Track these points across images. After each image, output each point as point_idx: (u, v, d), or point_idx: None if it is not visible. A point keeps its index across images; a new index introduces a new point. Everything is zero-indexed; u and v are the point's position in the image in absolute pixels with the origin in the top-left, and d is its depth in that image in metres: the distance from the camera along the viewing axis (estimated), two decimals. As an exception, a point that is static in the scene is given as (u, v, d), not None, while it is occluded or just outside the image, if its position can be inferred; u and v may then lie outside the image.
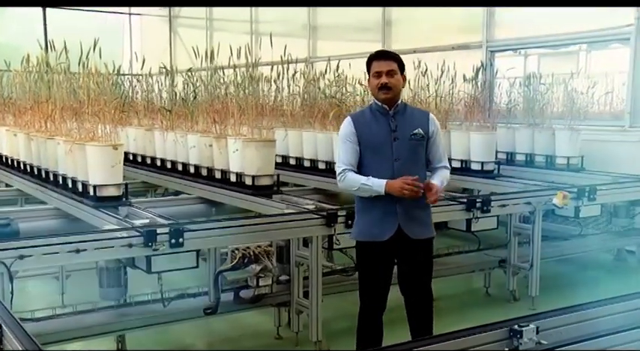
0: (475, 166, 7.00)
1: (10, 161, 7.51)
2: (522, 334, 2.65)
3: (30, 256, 3.70)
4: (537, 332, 2.68)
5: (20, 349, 2.43)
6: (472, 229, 5.35)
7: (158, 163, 7.55)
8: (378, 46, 10.43)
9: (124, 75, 8.27)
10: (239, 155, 5.92)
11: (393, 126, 3.78)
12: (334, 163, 6.57)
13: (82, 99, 5.66)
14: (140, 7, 16.57)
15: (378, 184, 3.69)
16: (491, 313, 5.42)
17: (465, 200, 5.31)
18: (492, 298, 6.01)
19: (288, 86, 7.57)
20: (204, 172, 6.57)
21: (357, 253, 3.99)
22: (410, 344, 2.81)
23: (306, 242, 4.67)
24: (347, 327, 4.57)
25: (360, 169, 3.81)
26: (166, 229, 4.07)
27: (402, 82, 3.86)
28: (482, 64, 7.77)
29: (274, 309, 4.91)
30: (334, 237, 4.63)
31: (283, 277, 4.82)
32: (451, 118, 7.44)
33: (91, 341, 4.31)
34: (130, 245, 3.96)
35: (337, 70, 7.54)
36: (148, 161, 7.81)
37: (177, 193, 7.20)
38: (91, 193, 5.20)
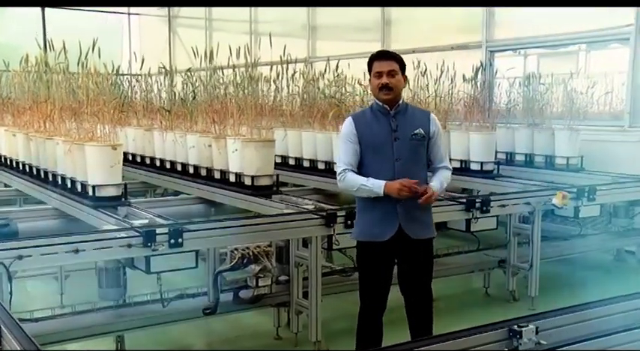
0: (474, 166, 7.00)
1: (9, 161, 7.51)
2: (522, 335, 2.65)
3: (29, 256, 3.70)
4: (537, 332, 2.68)
5: (19, 349, 2.43)
6: (471, 230, 5.34)
7: (157, 163, 7.55)
8: (377, 46, 10.42)
9: (123, 75, 8.27)
10: (238, 155, 5.92)
11: (393, 126, 3.78)
12: (333, 163, 6.66)
13: (81, 99, 5.66)
14: (139, 7, 16.55)
15: (377, 186, 3.68)
16: (490, 314, 5.42)
17: (465, 200, 5.31)
18: (492, 298, 6.01)
19: (288, 86, 7.56)
20: (203, 173, 6.56)
21: (358, 253, 3.99)
22: (409, 344, 2.81)
23: (305, 242, 4.66)
24: (346, 327, 4.56)
25: (361, 169, 3.80)
26: (165, 230, 4.06)
27: (403, 83, 3.86)
28: (481, 64, 7.77)
29: (273, 309, 4.91)
30: (333, 237, 4.63)
31: (282, 278, 4.82)
32: (450, 118, 7.44)
33: (90, 341, 4.30)
34: (129, 245, 3.95)
35: (336, 70, 7.54)
36: (147, 161, 7.81)
37: (176, 193, 7.20)
38: (90, 193, 5.19)
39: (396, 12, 10.56)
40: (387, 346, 2.94)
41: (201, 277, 4.70)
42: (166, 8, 16.24)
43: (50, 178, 6.14)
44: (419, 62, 7.19)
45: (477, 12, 9.01)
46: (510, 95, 7.98)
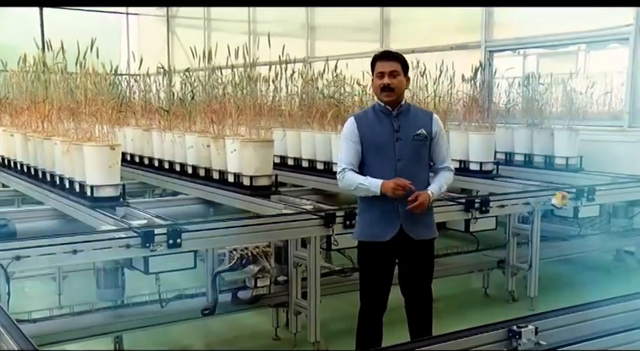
0: (474, 167, 6.99)
1: (7, 162, 7.50)
2: (521, 335, 2.65)
3: (27, 256, 3.69)
4: (536, 333, 2.68)
5: (17, 350, 2.42)
6: (471, 230, 5.33)
7: (156, 163, 7.54)
8: (376, 46, 10.42)
9: (121, 75, 8.26)
10: (237, 155, 5.91)
11: (396, 126, 3.77)
12: (333, 163, 6.67)
13: (80, 99, 5.65)
14: (138, 7, 16.54)
15: (374, 185, 3.68)
16: (489, 314, 5.41)
17: (464, 201, 5.31)
18: (491, 298, 6.00)
19: (287, 86, 7.55)
20: (201, 173, 6.56)
21: (359, 253, 3.98)
22: (409, 345, 2.80)
23: (304, 243, 4.65)
24: (345, 328, 4.56)
25: (363, 169, 3.80)
26: (164, 230, 4.06)
27: (405, 84, 3.84)
28: (480, 64, 7.77)
29: (272, 310, 4.90)
30: (332, 237, 4.62)
31: (281, 278, 4.81)
32: (450, 118, 7.42)
33: (88, 342, 4.29)
34: (128, 246, 3.94)
35: (335, 70, 7.53)
36: (146, 161, 7.80)
37: (174, 193, 7.19)
38: (89, 193, 5.19)
39: (395, 12, 10.55)
40: (386, 346, 2.94)
41: (199, 277, 4.68)
42: (165, 8, 16.23)
43: (48, 179, 6.13)
44: (418, 62, 7.18)
45: (476, 12, 9.01)
46: (509, 95, 7.98)
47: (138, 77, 8.57)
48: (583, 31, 7.99)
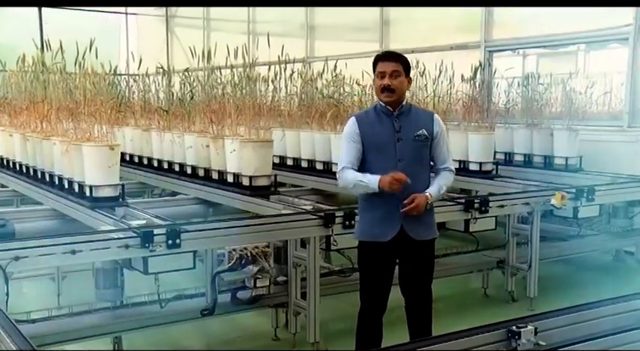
0: (473, 167, 6.99)
1: (5, 162, 7.48)
2: (520, 335, 2.65)
3: (26, 257, 3.68)
4: (536, 333, 2.68)
5: (15, 350, 2.41)
6: (470, 230, 5.33)
7: (155, 163, 7.53)
8: (375, 46, 10.43)
9: (120, 75, 8.26)
10: (236, 156, 5.90)
11: (397, 126, 3.77)
12: (332, 163, 6.67)
13: (79, 99, 5.64)
14: (137, 6, 16.53)
15: (372, 181, 3.67)
16: (489, 314, 5.40)
17: (463, 201, 5.30)
18: (490, 298, 6.00)
19: (286, 86, 7.54)
20: (201, 173, 6.55)
21: (359, 253, 3.97)
22: (408, 345, 2.80)
23: (303, 243, 4.65)
24: (345, 328, 4.56)
25: (364, 169, 3.79)
26: (163, 230, 4.05)
27: (406, 85, 3.84)
28: (480, 64, 7.76)
29: (272, 310, 4.90)
30: (332, 238, 4.61)
31: (281, 278, 4.81)
32: (449, 118, 7.41)
33: (87, 343, 4.28)
34: (127, 246, 3.93)
35: (335, 70, 7.53)
36: (145, 162, 7.79)
37: (174, 193, 7.17)
38: (88, 193, 5.18)
39: (394, 12, 10.55)
40: (386, 346, 2.94)
41: (199, 277, 4.68)
42: (164, 8, 16.22)
43: (47, 179, 6.12)
44: (417, 62, 7.17)
45: (476, 12, 9.01)
46: (509, 95, 7.97)
47: (137, 77, 8.57)
48: (583, 31, 7.99)
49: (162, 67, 8.23)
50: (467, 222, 5.28)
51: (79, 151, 5.27)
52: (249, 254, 4.37)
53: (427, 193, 3.75)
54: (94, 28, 12.52)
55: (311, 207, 5.25)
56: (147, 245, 3.94)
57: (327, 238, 4.65)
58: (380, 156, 3.75)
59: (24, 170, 6.81)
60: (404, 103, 3.84)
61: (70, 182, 5.53)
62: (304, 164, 7.30)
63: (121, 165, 5.43)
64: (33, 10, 14.24)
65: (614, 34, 7.65)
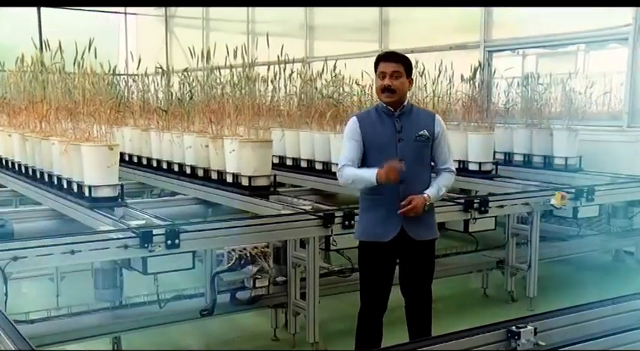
0: (473, 167, 6.98)
1: (4, 162, 7.48)
2: (520, 336, 2.65)
3: (24, 257, 3.67)
4: (535, 333, 2.68)
5: (14, 350, 2.41)
6: (470, 230, 5.32)
7: (154, 163, 7.52)
8: (375, 47, 10.43)
9: (119, 75, 8.25)
10: (235, 156, 5.90)
11: (398, 127, 3.77)
12: (331, 163, 6.66)
13: (78, 99, 5.63)
14: (136, 6, 16.52)
15: (369, 174, 3.67)
16: (488, 314, 5.40)
17: (463, 201, 5.30)
18: (490, 299, 5.99)
19: (285, 86, 7.53)
20: (200, 173, 6.54)
21: (359, 253, 3.97)
22: (408, 345, 2.80)
23: (303, 243, 4.64)
24: (344, 328, 4.56)
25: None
26: (162, 230, 4.04)
27: (407, 86, 3.83)
28: (480, 64, 7.76)
29: (271, 310, 4.89)
30: (331, 238, 4.61)
31: (280, 279, 4.81)
32: (449, 118, 7.40)
33: (86, 343, 4.28)
34: (126, 246, 3.92)
35: (334, 70, 7.52)
36: (144, 162, 7.78)
37: (173, 193, 7.16)
38: (87, 193, 5.17)
39: (394, 12, 10.55)
40: (386, 346, 2.93)
41: (198, 278, 4.68)
42: (163, 8, 16.21)
43: (46, 179, 6.12)
44: (417, 62, 7.15)
45: (475, 12, 9.00)
46: (509, 95, 7.97)
47: (136, 77, 8.56)
48: (582, 31, 7.99)
49: (161, 67, 8.22)
50: (466, 222, 5.27)
51: (78, 151, 5.26)
52: (248, 254, 4.36)
53: (425, 195, 3.75)
54: (93, 28, 12.55)
55: (310, 207, 5.25)
56: (146, 245, 3.93)
57: (326, 239, 4.64)
58: (381, 156, 3.74)
59: (23, 170, 6.80)
60: (405, 103, 3.83)
61: (69, 182, 5.52)
62: (303, 164, 7.29)
63: (120, 165, 5.42)
64: (32, 10, 14.22)
65: (614, 34, 7.65)
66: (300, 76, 7.74)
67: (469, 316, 5.24)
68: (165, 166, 7.27)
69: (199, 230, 4.25)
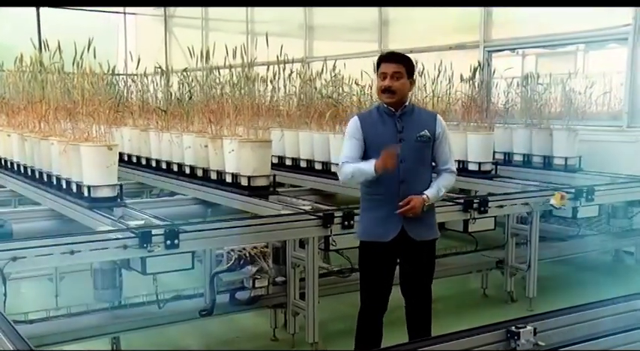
0: (472, 167, 6.97)
1: (3, 162, 7.47)
2: (520, 336, 2.65)
3: (23, 257, 3.66)
4: (535, 333, 2.67)
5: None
6: (469, 230, 5.31)
7: (153, 163, 7.52)
8: (374, 47, 10.43)
9: (118, 75, 8.25)
10: (235, 156, 5.89)
11: (399, 127, 3.76)
12: (331, 163, 6.66)
13: (77, 99, 5.62)
14: (135, 6, 16.52)
15: (368, 165, 3.67)
16: (488, 315, 5.38)
17: (462, 201, 5.30)
18: (489, 299, 5.99)
19: (285, 86, 7.53)
20: (199, 173, 6.54)
21: (360, 253, 3.96)
22: (408, 346, 2.80)
23: (302, 243, 4.64)
24: (343, 328, 4.55)
25: None
26: (161, 231, 4.03)
27: (408, 86, 3.82)
28: (479, 64, 7.75)
29: (270, 311, 4.89)
30: (330, 238, 4.60)
31: (279, 279, 4.80)
32: (448, 118, 7.39)
33: (85, 343, 4.27)
34: (125, 246, 3.92)
35: (334, 70, 7.52)
36: (143, 162, 7.78)
37: (172, 193, 7.16)
38: (86, 193, 5.17)
39: (393, 12, 10.54)
40: (386, 346, 2.93)
41: (197, 278, 4.67)
42: (162, 8, 16.19)
43: (45, 179, 6.11)
44: (416, 62, 7.14)
45: (475, 12, 9.00)
46: (508, 95, 7.96)
47: (135, 77, 8.55)
48: (582, 31, 7.99)
49: (160, 67, 8.21)
50: (466, 222, 5.27)
51: (77, 151, 5.25)
52: (247, 254, 4.36)
53: (424, 195, 3.74)
54: (92, 28, 12.53)
55: (310, 207, 5.25)
56: (145, 245, 3.92)
57: (325, 239, 4.63)
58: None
59: (22, 170, 6.80)
60: (407, 103, 3.82)
61: (68, 182, 5.52)
62: (303, 164, 7.29)
63: (119, 165, 5.42)
64: (31, 10, 14.20)
65: (613, 34, 7.64)
66: (300, 76, 7.73)
67: (469, 317, 5.23)
68: (164, 166, 7.27)
69: (198, 230, 4.24)
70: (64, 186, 5.61)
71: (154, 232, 4.00)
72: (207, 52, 6.65)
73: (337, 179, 6.21)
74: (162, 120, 7.41)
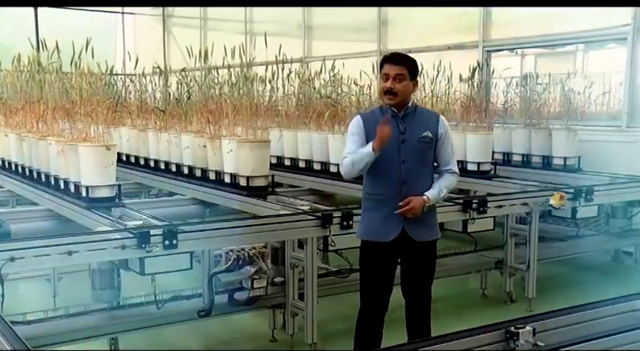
0: (471, 167, 6.96)
1: (1, 162, 7.46)
2: (519, 336, 2.65)
3: (21, 258, 3.65)
4: (534, 334, 2.67)
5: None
6: (468, 230, 5.31)
7: (152, 163, 7.51)
8: (373, 47, 10.43)
9: (117, 75, 8.23)
10: (233, 156, 5.88)
11: (401, 128, 3.75)
12: (330, 163, 6.65)
13: (75, 99, 5.61)
14: (133, 6, 16.50)
15: (365, 148, 3.67)
16: (487, 315, 5.38)
17: (462, 201, 5.28)
18: (489, 299, 5.98)
19: (283, 86, 7.52)
20: (198, 173, 6.53)
21: (361, 253, 3.95)
22: (407, 346, 2.79)
23: (301, 244, 4.64)
24: (342, 329, 4.55)
25: (368, 170, 3.76)
26: (160, 231, 4.03)
27: (411, 88, 3.79)
28: (478, 64, 7.75)
29: (269, 311, 4.88)
30: (329, 238, 4.59)
31: (278, 279, 4.80)
32: (447, 118, 7.31)
33: (83, 344, 4.26)
34: (123, 247, 3.91)
35: (332, 70, 7.51)
36: (142, 162, 7.77)
37: (170, 194, 7.16)
38: (84, 194, 5.15)
39: (392, 12, 10.54)
40: (386, 346, 2.93)
41: (196, 278, 4.66)
42: (161, 8, 16.18)
43: (43, 179, 6.10)
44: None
45: (474, 12, 9.00)
46: (507, 95, 7.96)
47: (133, 77, 8.54)
48: (581, 31, 7.99)
49: (158, 67, 8.20)
50: (465, 222, 5.26)
51: (75, 152, 5.24)
52: (246, 255, 4.35)
53: (425, 196, 3.73)
54: (90, 28, 12.53)
55: (308, 207, 5.23)
56: (143, 246, 3.92)
57: (324, 239, 4.62)
58: (383, 157, 3.71)
59: (20, 170, 6.78)
60: (409, 104, 3.81)
61: (66, 182, 5.51)
62: (302, 164, 7.28)
63: (117, 165, 5.41)
64: (29, 10, 14.19)
65: (613, 34, 7.64)
66: (299, 76, 7.72)
67: (468, 317, 5.23)
68: (162, 166, 7.26)
69: (197, 231, 4.23)
70: (62, 186, 5.60)
71: (152, 232, 3.99)
72: (206, 52, 6.64)
73: (336, 179, 6.26)
74: (160, 120, 7.40)
